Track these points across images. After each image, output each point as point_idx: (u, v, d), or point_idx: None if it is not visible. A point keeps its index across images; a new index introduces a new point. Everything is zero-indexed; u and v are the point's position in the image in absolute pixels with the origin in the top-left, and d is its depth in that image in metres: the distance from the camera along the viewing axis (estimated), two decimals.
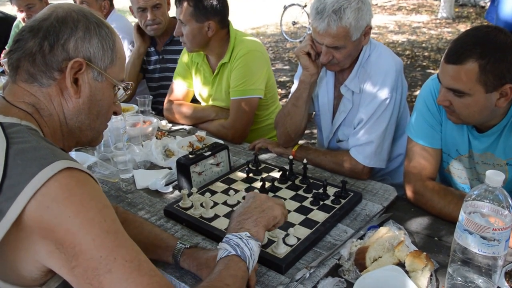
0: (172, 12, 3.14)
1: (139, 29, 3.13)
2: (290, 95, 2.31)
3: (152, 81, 3.26)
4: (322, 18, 1.85)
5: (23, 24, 3.94)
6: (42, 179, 0.91)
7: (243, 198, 1.68)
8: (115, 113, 1.31)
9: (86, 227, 0.93)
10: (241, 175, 1.99)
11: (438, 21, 12.90)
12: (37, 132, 1.07)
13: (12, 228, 0.91)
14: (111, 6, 3.64)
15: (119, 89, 1.26)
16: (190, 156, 1.92)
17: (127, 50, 3.33)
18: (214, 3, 2.43)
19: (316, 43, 1.99)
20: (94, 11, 1.21)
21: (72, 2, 3.54)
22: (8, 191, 0.91)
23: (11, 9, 4.06)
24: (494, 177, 1.17)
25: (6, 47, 4.23)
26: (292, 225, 1.62)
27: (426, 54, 9.21)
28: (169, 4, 3.12)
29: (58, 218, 0.91)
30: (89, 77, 1.16)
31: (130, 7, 3.07)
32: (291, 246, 1.50)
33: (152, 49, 3.20)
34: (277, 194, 1.83)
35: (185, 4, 2.40)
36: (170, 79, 2.95)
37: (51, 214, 0.91)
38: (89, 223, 0.93)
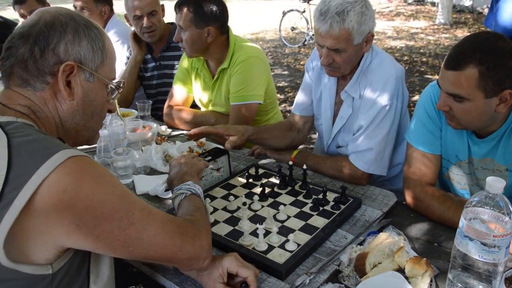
0: (167, 18, 3.15)
1: (135, 37, 3.13)
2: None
3: (150, 88, 3.26)
4: (325, 19, 1.86)
5: None
6: (51, 166, 0.97)
7: (243, 204, 1.69)
8: (109, 111, 1.35)
9: (102, 199, 1.04)
10: (241, 180, 1.99)
11: (436, 27, 12.93)
12: (33, 126, 1.12)
13: (23, 215, 0.96)
14: (111, 11, 3.64)
15: (111, 88, 1.29)
16: None
17: (126, 54, 3.33)
18: (214, 9, 2.44)
19: (317, 47, 2.00)
20: (81, 13, 1.24)
21: (72, 6, 3.55)
22: (15, 180, 0.96)
23: (11, 14, 4.07)
24: (495, 184, 1.18)
25: None
26: (292, 231, 1.62)
27: (424, 59, 9.24)
28: (163, 10, 3.12)
29: (75, 198, 0.99)
30: (81, 79, 1.19)
31: (125, 15, 3.08)
32: (291, 252, 1.50)
33: (149, 56, 3.20)
34: (276, 199, 1.83)
35: (185, 10, 2.41)
36: (168, 85, 2.96)
37: (68, 197, 0.98)
38: (104, 195, 1.05)
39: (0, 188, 0.96)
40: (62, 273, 1.10)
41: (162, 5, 3.10)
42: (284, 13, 11.58)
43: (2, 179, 0.96)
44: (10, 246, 0.98)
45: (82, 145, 1.35)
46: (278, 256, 1.48)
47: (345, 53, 1.94)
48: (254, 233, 1.57)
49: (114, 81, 1.29)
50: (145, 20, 2.95)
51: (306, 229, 1.63)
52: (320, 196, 1.81)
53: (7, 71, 1.15)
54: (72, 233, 1.01)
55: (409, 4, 17.24)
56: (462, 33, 11.95)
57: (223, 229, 1.64)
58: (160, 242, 1.15)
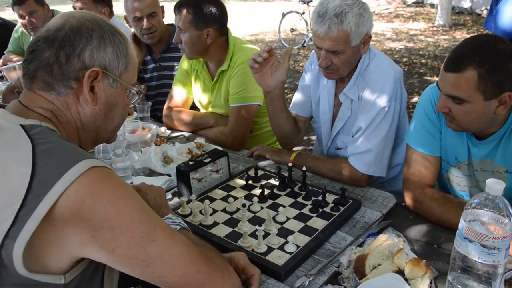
0: (167, 19, 3.15)
1: (135, 38, 3.13)
2: (291, 103, 2.36)
3: (149, 89, 3.25)
4: (323, 21, 1.87)
5: (24, 30, 3.94)
6: (73, 176, 0.97)
7: (243, 205, 1.68)
8: (128, 114, 1.36)
9: (122, 212, 1.02)
10: (240, 182, 1.99)
11: (435, 28, 12.94)
12: (56, 132, 1.12)
13: (42, 224, 0.95)
14: (111, 13, 3.64)
15: (132, 93, 1.30)
16: (190, 162, 1.92)
17: None
18: (213, 10, 2.44)
19: (316, 49, 2.00)
20: (106, 18, 1.23)
21: (71, 7, 3.55)
22: (37, 189, 0.96)
23: (9, 15, 4.07)
24: (494, 186, 1.18)
25: (5, 52, 4.24)
26: (292, 232, 1.62)
27: (423, 61, 9.24)
28: (163, 11, 3.12)
29: (94, 209, 0.98)
30: (104, 84, 1.19)
31: (125, 16, 3.08)
32: (290, 253, 1.50)
33: (149, 57, 3.20)
34: (276, 201, 1.83)
35: (184, 11, 2.41)
36: (167, 86, 2.96)
37: (86, 207, 0.97)
38: (124, 207, 1.03)
39: (23, 196, 0.95)
40: (74, 283, 1.08)
41: (162, 7, 3.10)
42: (284, 15, 11.59)
43: (25, 187, 0.96)
44: (28, 255, 0.97)
45: (101, 143, 1.36)
46: (278, 258, 1.48)
47: (343, 55, 1.94)
48: (254, 235, 1.57)
49: (135, 86, 1.30)
50: (144, 22, 2.95)
51: (306, 230, 1.63)
52: (320, 197, 1.81)
53: (30, 74, 1.15)
54: (87, 243, 1.00)
55: (408, 5, 17.27)
56: (461, 34, 11.97)
57: (222, 231, 1.64)
58: (185, 266, 1.09)
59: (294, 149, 2.40)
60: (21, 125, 1.07)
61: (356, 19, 1.87)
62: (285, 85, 2.15)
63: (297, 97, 2.38)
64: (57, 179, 0.96)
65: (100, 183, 1.01)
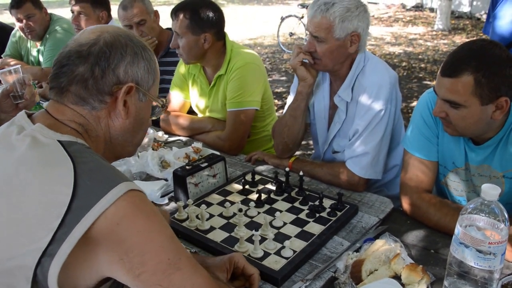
0: (163, 23, 3.14)
1: None
2: (286, 106, 2.32)
3: None
4: (313, 6, 1.98)
5: (21, 33, 3.95)
6: (111, 200, 0.98)
7: (239, 210, 1.68)
8: None
9: (154, 237, 1.03)
10: (237, 187, 1.99)
11: (434, 33, 12.96)
12: (91, 150, 1.12)
13: (78, 243, 0.95)
14: (109, 16, 3.64)
15: (157, 106, 1.31)
16: (187, 167, 1.92)
17: None
18: (210, 15, 2.44)
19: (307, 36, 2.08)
20: (136, 34, 1.25)
21: (69, 11, 3.55)
22: (77, 210, 0.96)
23: (7, 18, 4.07)
24: (490, 191, 1.18)
25: (2, 56, 4.23)
26: (288, 237, 1.61)
27: (422, 65, 9.25)
28: (157, 16, 3.12)
29: (128, 232, 0.99)
30: (135, 99, 1.20)
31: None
32: (287, 258, 1.49)
33: None
34: (273, 206, 1.83)
35: (181, 16, 2.41)
36: (166, 91, 2.95)
37: (121, 230, 0.98)
38: (156, 233, 1.03)
39: (62, 215, 0.95)
40: None
41: (156, 11, 3.09)
42: (282, 19, 11.60)
43: (65, 207, 0.96)
44: (62, 273, 0.97)
45: (124, 157, 1.36)
46: (274, 263, 1.47)
47: (325, 44, 1.99)
48: (250, 240, 1.57)
49: (159, 99, 1.31)
50: (134, 30, 2.95)
51: (302, 235, 1.63)
52: (317, 202, 1.80)
53: (62, 88, 1.14)
54: (115, 264, 1.00)
55: (408, 10, 17.29)
56: (460, 39, 11.99)
57: (219, 236, 1.64)
58: None
59: None
60: (59, 141, 1.07)
61: (341, 11, 1.93)
62: (283, 90, 2.16)
63: (291, 99, 2.37)
64: (96, 201, 0.97)
65: (136, 207, 1.02)
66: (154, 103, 1.29)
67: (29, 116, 1.17)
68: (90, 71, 1.12)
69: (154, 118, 1.36)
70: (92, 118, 1.16)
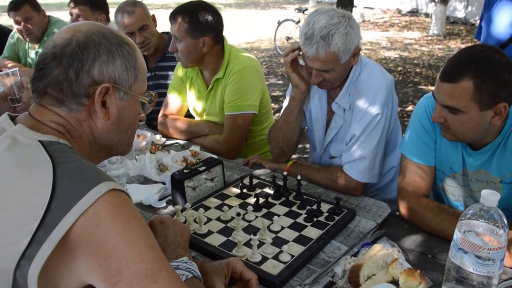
0: (160, 28, 3.14)
1: None
2: (282, 110, 2.32)
3: None
4: (311, 44, 1.88)
5: (20, 36, 3.93)
6: (91, 199, 0.95)
7: (237, 214, 1.68)
8: (140, 120, 1.33)
9: (133, 242, 0.97)
10: (235, 190, 1.99)
11: (429, 38, 13.02)
12: (74, 150, 1.10)
13: (58, 245, 0.93)
14: (107, 19, 3.64)
15: (143, 102, 1.27)
16: (185, 171, 1.92)
17: None
18: (209, 19, 2.44)
19: (307, 67, 2.02)
20: (113, 29, 1.20)
21: (68, 14, 3.54)
22: (56, 210, 0.93)
23: (5, 20, 4.06)
24: (490, 197, 1.18)
25: (0, 58, 4.22)
26: (286, 242, 1.61)
27: (417, 70, 9.28)
28: (155, 20, 3.12)
29: (106, 235, 0.95)
30: (115, 98, 1.17)
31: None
32: (284, 263, 1.49)
33: None
34: (270, 210, 1.83)
35: (180, 20, 2.40)
36: (163, 95, 2.95)
37: (100, 232, 0.95)
38: (136, 238, 0.98)
39: (41, 216, 0.93)
40: None
41: (153, 15, 3.09)
42: (279, 23, 11.63)
43: (44, 207, 0.93)
44: (42, 276, 0.94)
45: (116, 155, 1.34)
46: (272, 267, 1.47)
47: (334, 72, 1.97)
48: (248, 244, 1.57)
49: (146, 95, 1.27)
50: (137, 37, 2.94)
51: (300, 240, 1.63)
52: (314, 207, 1.80)
53: (40, 92, 1.13)
54: (93, 271, 0.96)
55: (403, 15, 17.36)
56: (455, 44, 12.05)
57: (216, 240, 1.63)
58: None
59: None
60: (40, 141, 1.05)
61: (343, 39, 1.87)
62: (280, 93, 2.16)
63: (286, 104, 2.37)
64: (76, 201, 0.94)
65: (117, 209, 0.98)
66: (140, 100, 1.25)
67: (12, 118, 1.16)
68: (64, 73, 1.10)
69: (143, 114, 1.31)
70: (72, 120, 1.14)
